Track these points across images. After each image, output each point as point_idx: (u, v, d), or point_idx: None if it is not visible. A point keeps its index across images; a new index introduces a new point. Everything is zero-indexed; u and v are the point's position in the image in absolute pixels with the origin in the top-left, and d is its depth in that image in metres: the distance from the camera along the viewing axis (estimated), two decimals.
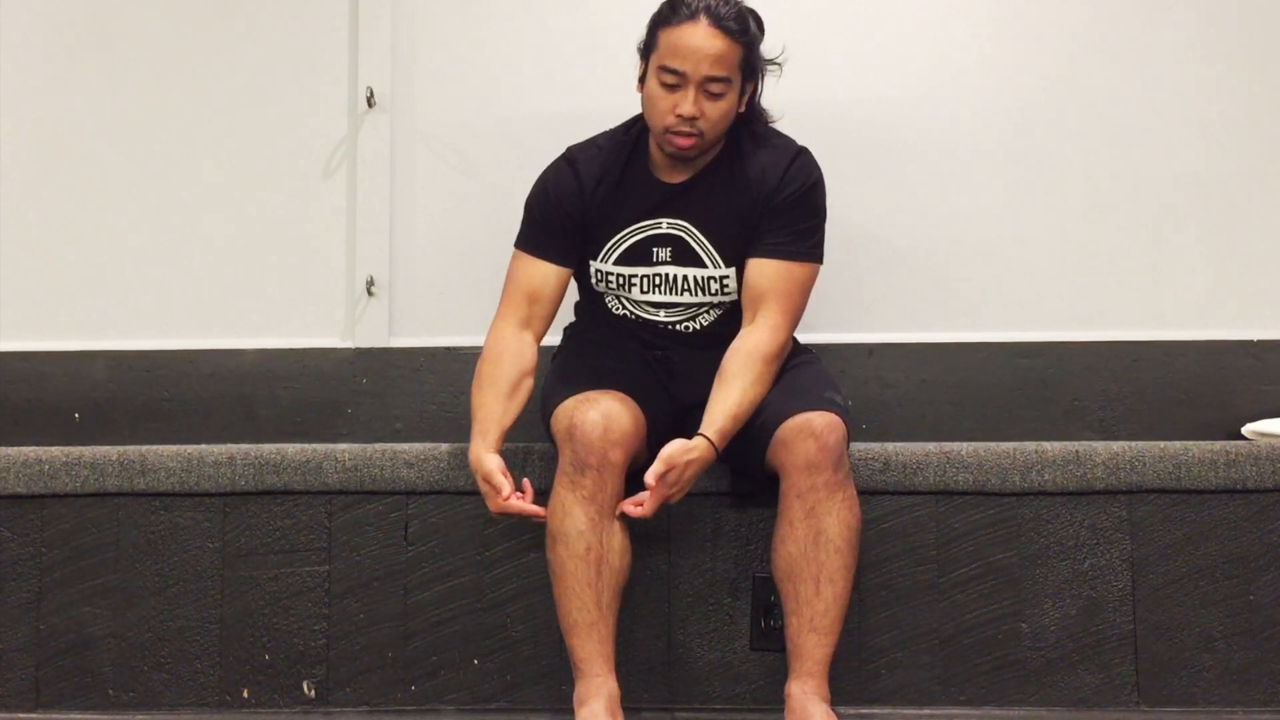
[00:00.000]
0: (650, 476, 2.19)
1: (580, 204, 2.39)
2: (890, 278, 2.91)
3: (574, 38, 2.99)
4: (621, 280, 2.41)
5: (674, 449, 2.20)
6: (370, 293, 2.95)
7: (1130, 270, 2.92)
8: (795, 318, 2.36)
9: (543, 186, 2.43)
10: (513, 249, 2.44)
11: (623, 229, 2.39)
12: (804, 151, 2.38)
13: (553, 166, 2.45)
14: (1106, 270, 2.92)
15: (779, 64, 2.38)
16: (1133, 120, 2.93)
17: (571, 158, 2.43)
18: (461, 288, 2.96)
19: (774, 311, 2.32)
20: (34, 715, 2.46)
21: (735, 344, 2.32)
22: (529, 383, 2.37)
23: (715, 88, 2.26)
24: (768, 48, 2.36)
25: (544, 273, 2.41)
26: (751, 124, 2.39)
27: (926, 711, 2.42)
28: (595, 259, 2.41)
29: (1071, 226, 2.92)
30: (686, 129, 2.27)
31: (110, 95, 3.02)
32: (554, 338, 2.55)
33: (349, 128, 2.99)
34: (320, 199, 3.00)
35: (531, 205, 2.44)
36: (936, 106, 2.94)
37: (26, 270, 3.00)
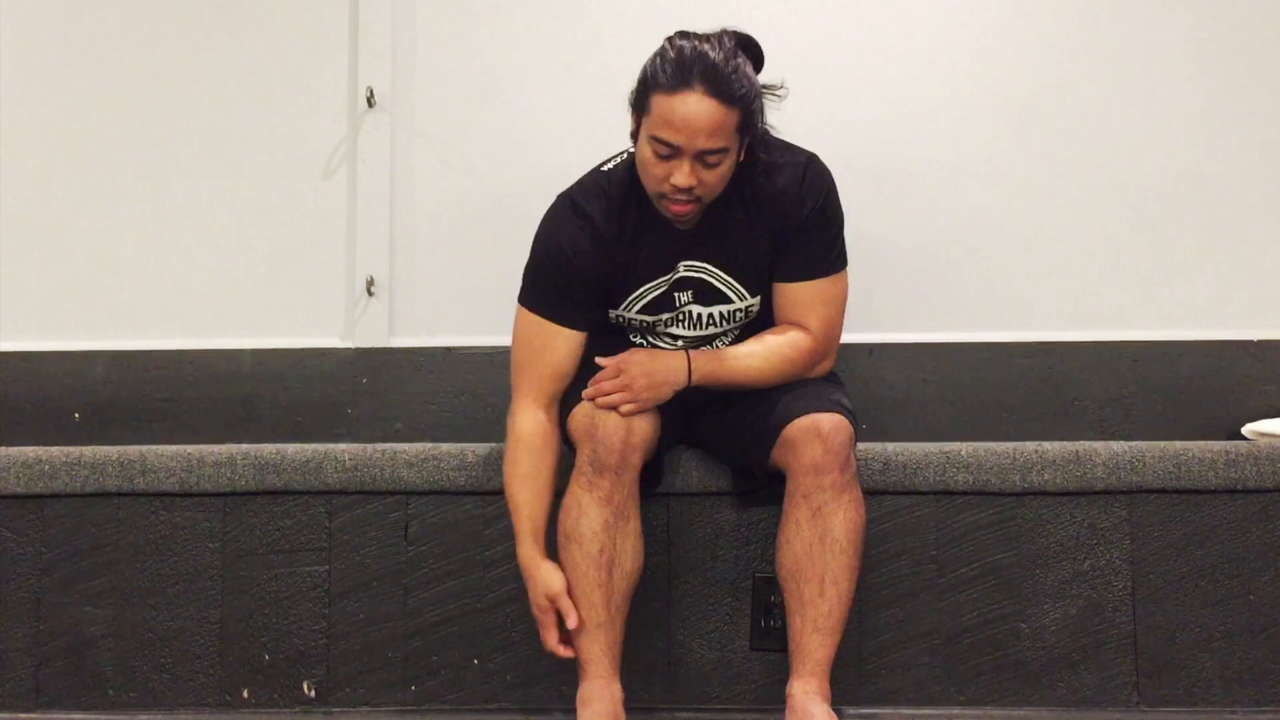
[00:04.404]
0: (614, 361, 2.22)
1: (600, 263, 2.27)
2: (890, 278, 2.91)
3: (573, 38, 2.99)
4: (645, 324, 2.35)
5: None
6: (370, 293, 2.95)
7: (1130, 270, 2.92)
8: (829, 327, 2.30)
9: (557, 246, 2.27)
10: (520, 307, 2.30)
11: (644, 284, 2.30)
12: (812, 161, 2.29)
13: (563, 220, 2.28)
14: (1106, 270, 2.92)
15: (779, 96, 2.24)
16: (1133, 120, 2.93)
17: (582, 211, 2.27)
18: (461, 288, 2.96)
19: (809, 327, 2.29)
20: (34, 715, 2.46)
21: (774, 328, 2.31)
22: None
23: (713, 158, 2.14)
24: (768, 75, 2.24)
25: (567, 344, 2.28)
26: (754, 149, 2.25)
27: (926, 711, 2.42)
28: (616, 308, 2.33)
29: (1071, 226, 2.92)
30: (682, 197, 2.16)
31: (110, 95, 3.02)
32: None
33: (349, 128, 2.99)
34: (320, 199, 3.00)
35: (545, 267, 2.28)
36: (936, 106, 2.94)
37: (26, 270, 3.00)
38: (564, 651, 2.18)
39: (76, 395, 2.96)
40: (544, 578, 2.18)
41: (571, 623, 2.16)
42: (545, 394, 2.28)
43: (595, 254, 2.26)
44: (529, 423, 2.26)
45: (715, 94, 2.10)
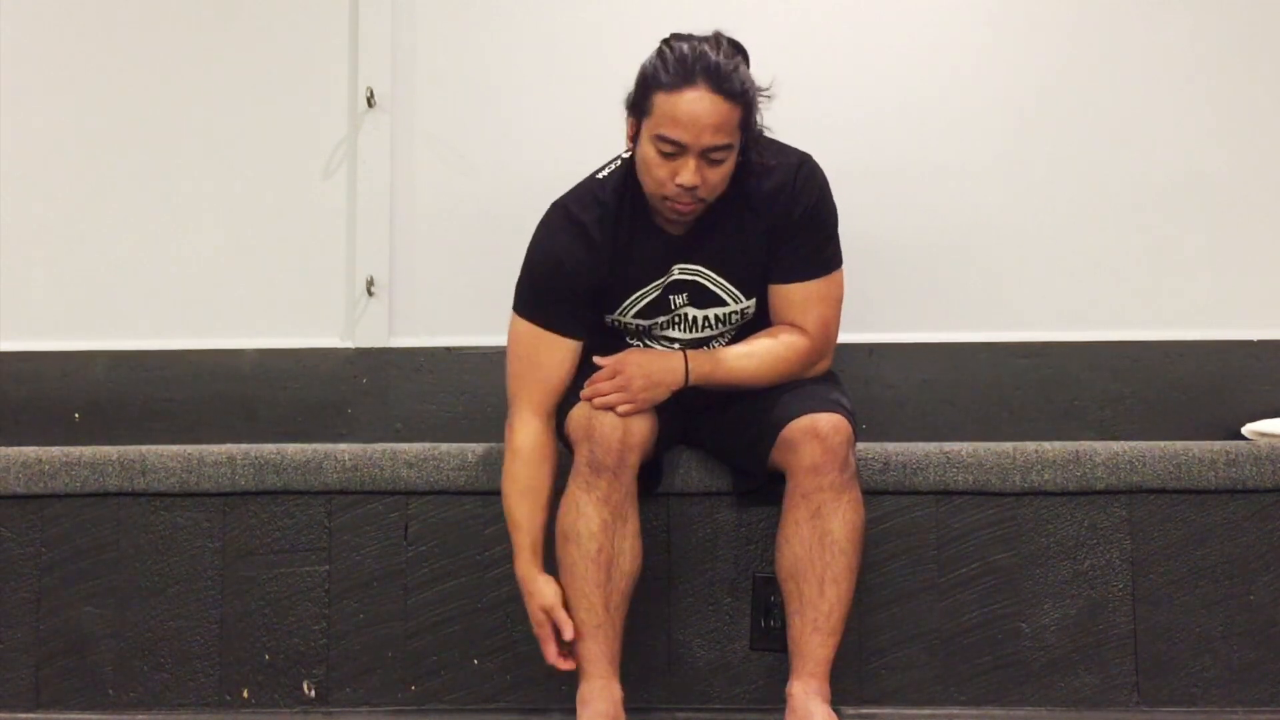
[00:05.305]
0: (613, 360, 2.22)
1: (595, 271, 2.26)
2: (890, 278, 2.91)
3: (573, 39, 2.99)
4: (641, 327, 2.35)
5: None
6: (370, 293, 2.95)
7: (1130, 270, 2.92)
8: (825, 327, 2.30)
9: (553, 255, 2.26)
10: (515, 316, 2.29)
11: (637, 289, 2.30)
12: (805, 161, 2.28)
13: (558, 229, 2.28)
14: (1107, 270, 2.92)
15: (768, 97, 2.22)
16: (1133, 120, 2.93)
17: (576, 219, 2.27)
18: (461, 288, 2.96)
19: (805, 327, 2.29)
20: (34, 715, 2.46)
21: (771, 329, 2.31)
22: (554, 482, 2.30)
23: (717, 155, 2.14)
24: (758, 77, 2.23)
25: (564, 352, 2.27)
26: (747, 151, 2.25)
27: (926, 711, 2.42)
28: (611, 313, 2.34)
29: (1071, 226, 2.92)
30: (687, 197, 2.16)
31: (110, 95, 3.02)
32: None
33: (349, 128, 2.99)
34: (320, 199, 3.00)
35: (541, 276, 2.27)
36: (936, 106, 2.94)
37: (26, 270, 3.00)
38: (564, 664, 2.19)
39: (76, 395, 2.96)
40: (539, 590, 2.19)
41: (568, 634, 2.16)
42: (543, 405, 2.28)
43: (590, 262, 2.26)
44: (527, 435, 2.26)
45: (719, 90, 2.11)
